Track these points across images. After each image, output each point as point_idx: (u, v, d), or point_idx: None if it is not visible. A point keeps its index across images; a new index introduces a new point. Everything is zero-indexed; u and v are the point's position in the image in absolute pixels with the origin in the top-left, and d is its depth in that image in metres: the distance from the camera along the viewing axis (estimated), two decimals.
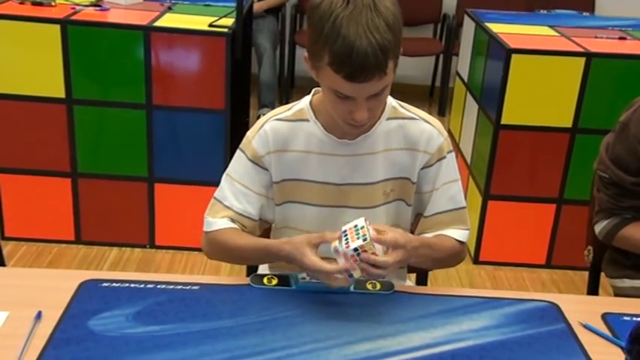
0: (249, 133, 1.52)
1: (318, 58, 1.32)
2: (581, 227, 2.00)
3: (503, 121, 2.84)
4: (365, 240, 1.29)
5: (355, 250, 1.30)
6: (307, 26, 1.37)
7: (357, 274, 1.33)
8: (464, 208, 1.56)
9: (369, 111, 1.36)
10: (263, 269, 1.69)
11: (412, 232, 1.61)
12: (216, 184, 1.55)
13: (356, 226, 1.33)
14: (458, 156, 3.47)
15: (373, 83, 1.31)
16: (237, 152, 1.53)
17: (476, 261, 3.09)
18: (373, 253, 1.31)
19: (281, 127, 1.50)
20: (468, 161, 3.31)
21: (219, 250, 1.51)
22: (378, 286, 1.46)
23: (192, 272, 2.84)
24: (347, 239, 1.32)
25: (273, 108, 2.75)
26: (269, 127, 1.50)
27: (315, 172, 1.50)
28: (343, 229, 1.34)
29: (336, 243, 1.33)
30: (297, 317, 1.35)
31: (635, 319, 1.38)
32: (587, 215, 1.87)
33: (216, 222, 1.51)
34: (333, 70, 1.30)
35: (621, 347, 1.29)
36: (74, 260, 2.88)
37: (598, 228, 1.75)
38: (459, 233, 1.54)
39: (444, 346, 1.30)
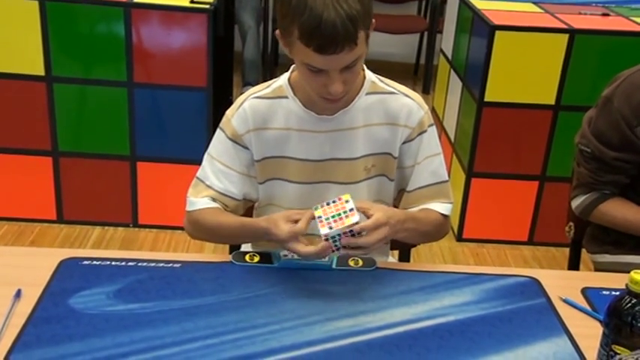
0: (228, 112, 1.52)
1: (288, 32, 1.32)
2: (563, 204, 2.01)
3: (486, 99, 2.84)
4: (349, 221, 1.30)
5: (336, 236, 1.31)
6: (277, 1, 1.37)
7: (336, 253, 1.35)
8: (446, 181, 1.57)
9: (343, 84, 1.36)
10: (246, 247, 1.69)
11: (396, 208, 1.61)
12: (199, 162, 1.55)
13: (333, 202, 1.34)
14: (442, 134, 3.47)
15: (344, 55, 1.30)
16: (218, 131, 1.53)
17: (459, 238, 3.10)
18: (356, 234, 1.32)
19: (260, 105, 1.49)
20: (452, 139, 3.31)
21: (200, 229, 1.51)
22: (360, 263, 1.46)
23: (176, 251, 2.83)
24: (328, 219, 1.32)
25: None
26: (248, 105, 1.49)
27: (295, 149, 1.50)
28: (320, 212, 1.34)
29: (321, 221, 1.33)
30: (279, 294, 1.35)
31: (613, 293, 1.39)
32: (569, 192, 1.88)
33: (198, 201, 1.51)
34: (303, 44, 1.30)
35: (599, 321, 1.30)
36: (56, 240, 2.87)
37: (575, 203, 1.75)
38: (442, 207, 1.55)
39: (425, 322, 1.30)
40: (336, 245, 1.33)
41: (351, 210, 1.31)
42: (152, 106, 2.80)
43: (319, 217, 1.33)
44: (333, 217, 1.32)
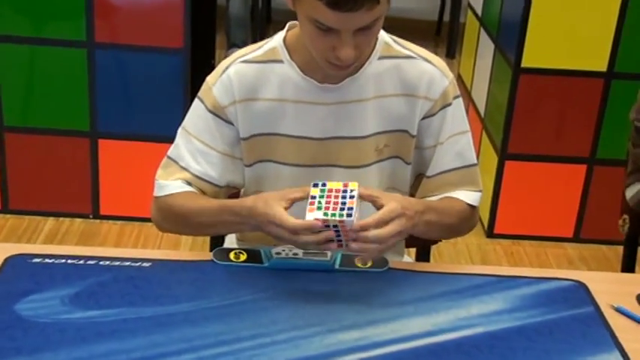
0: (209, 79, 1.51)
1: None
2: (616, 193, 2.01)
3: (524, 64, 2.84)
4: (349, 215, 1.30)
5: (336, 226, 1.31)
6: None
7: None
8: (474, 165, 1.57)
9: (355, 48, 1.35)
10: (230, 243, 1.70)
11: (413, 197, 1.61)
12: (173, 139, 1.55)
13: (345, 191, 1.34)
14: (469, 107, 3.47)
15: (363, 13, 1.29)
16: (196, 102, 1.53)
17: (490, 234, 3.11)
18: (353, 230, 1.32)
19: (248, 71, 1.49)
20: (482, 113, 3.31)
21: (171, 217, 1.52)
22: (369, 263, 1.47)
23: (146, 247, 2.85)
24: (328, 202, 1.32)
25: None
26: (234, 70, 1.49)
27: (291, 125, 1.50)
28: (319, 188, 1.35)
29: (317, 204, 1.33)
30: (270, 300, 1.35)
31: None
32: (622, 178, 1.88)
33: (169, 184, 1.51)
34: None
35: None
36: (0, 233, 2.88)
37: (630, 192, 1.75)
38: (469, 195, 1.55)
39: (448, 334, 1.30)
40: (339, 240, 1.33)
41: (350, 209, 1.31)
42: (117, 72, 2.80)
43: (313, 197, 1.33)
44: (327, 203, 1.33)
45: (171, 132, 1.57)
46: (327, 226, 1.31)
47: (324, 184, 1.35)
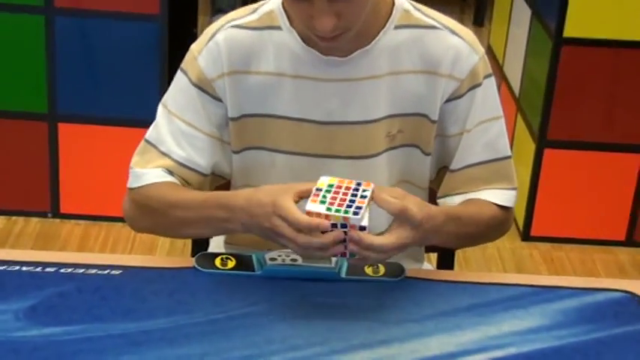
0: (194, 47, 1.52)
1: None
2: None
3: (566, 34, 2.84)
4: (356, 213, 1.30)
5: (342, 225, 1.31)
6: None
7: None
8: (508, 158, 1.57)
9: (338, 17, 1.36)
10: (216, 247, 1.70)
11: (433, 193, 1.62)
12: (149, 123, 1.55)
13: (357, 189, 1.34)
14: (501, 85, 3.47)
15: None
16: (178, 74, 1.53)
17: (526, 237, 3.12)
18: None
19: (241, 38, 1.50)
20: (516, 93, 3.31)
21: (149, 212, 1.52)
22: (382, 271, 1.47)
23: (115, 251, 2.86)
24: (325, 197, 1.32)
25: None
26: (223, 37, 1.50)
27: (288, 105, 1.50)
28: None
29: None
30: (264, 315, 1.35)
31: None
32: None
33: (147, 173, 1.51)
34: None
35: None
36: None
37: None
38: (501, 195, 1.55)
39: (475, 356, 1.30)
40: (344, 246, 1.33)
41: (358, 208, 1.30)
42: (81, 42, 2.80)
43: (319, 189, 1.33)
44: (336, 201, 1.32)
45: (147, 114, 1.58)
46: (335, 226, 1.30)
47: (332, 182, 1.34)
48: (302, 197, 1.35)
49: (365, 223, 1.30)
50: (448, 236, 1.47)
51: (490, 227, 1.55)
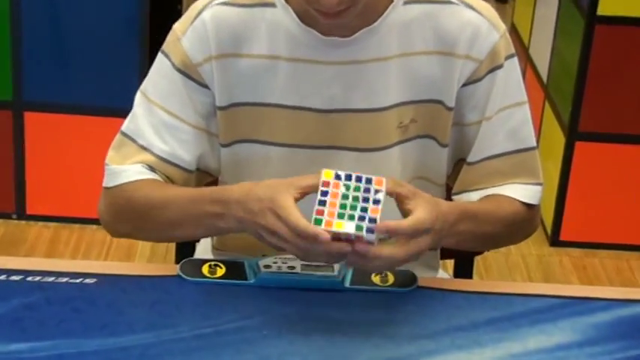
0: (177, 26, 1.52)
1: None
2: None
3: (601, 11, 2.84)
4: (370, 230, 1.29)
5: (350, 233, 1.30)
6: None
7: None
8: (533, 149, 1.58)
9: None
10: (203, 252, 1.71)
11: (449, 188, 1.63)
12: (128, 112, 1.56)
13: (359, 181, 1.33)
14: (527, 69, 3.47)
15: None
16: (159, 57, 1.54)
17: (554, 242, 3.13)
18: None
19: (230, 16, 1.50)
20: (544, 78, 3.31)
21: (128, 214, 1.52)
22: (391, 280, 1.47)
23: (89, 257, 2.85)
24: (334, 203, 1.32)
25: None
26: (210, 15, 1.50)
27: (285, 91, 1.51)
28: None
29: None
30: (258, 330, 1.35)
31: None
32: None
33: (125, 171, 1.52)
34: None
35: None
36: None
37: None
38: (524, 191, 1.56)
39: None
40: (352, 211, 1.32)
41: (372, 220, 1.30)
42: (50, 21, 2.81)
43: (324, 192, 1.32)
44: (341, 206, 1.32)
45: (124, 103, 1.58)
46: (338, 236, 1.30)
47: (339, 175, 1.34)
48: (305, 193, 1.35)
49: (376, 239, 1.30)
50: (463, 236, 1.47)
51: (512, 227, 1.55)
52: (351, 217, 1.30)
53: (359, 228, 1.29)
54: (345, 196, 1.32)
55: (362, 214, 1.30)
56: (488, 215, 1.51)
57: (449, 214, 1.41)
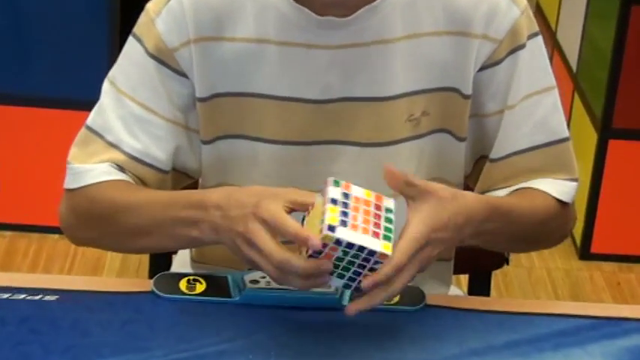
0: (150, 6, 1.52)
1: None
2: None
3: None
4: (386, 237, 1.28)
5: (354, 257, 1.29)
6: None
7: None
8: (566, 140, 1.59)
9: None
10: (180, 265, 1.71)
11: (468, 189, 1.62)
12: (93, 105, 1.56)
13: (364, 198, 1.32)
14: (553, 55, 3.47)
15: None
16: (131, 42, 1.54)
17: (585, 255, 3.13)
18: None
19: None
20: (573, 67, 3.31)
21: (93, 220, 1.52)
22: (395, 297, 1.46)
23: (51, 271, 2.86)
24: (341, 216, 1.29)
25: None
26: None
27: (275, 79, 1.51)
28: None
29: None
30: (242, 354, 1.35)
31: None
32: None
33: (90, 170, 1.52)
34: None
35: None
36: None
37: None
38: (559, 187, 1.56)
39: None
40: (343, 272, 1.31)
41: (387, 237, 1.29)
42: (6, 3, 2.82)
43: (334, 200, 1.29)
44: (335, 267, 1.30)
45: (90, 94, 1.59)
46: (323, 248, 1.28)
47: (346, 188, 1.31)
48: (295, 209, 1.33)
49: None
50: (491, 236, 1.47)
51: (545, 226, 1.56)
52: (340, 277, 1.30)
53: (345, 289, 1.31)
54: (339, 259, 1.29)
55: (375, 228, 1.28)
56: (522, 212, 1.52)
57: (475, 212, 1.41)
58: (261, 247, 1.29)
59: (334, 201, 1.27)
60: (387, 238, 1.27)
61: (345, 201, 1.28)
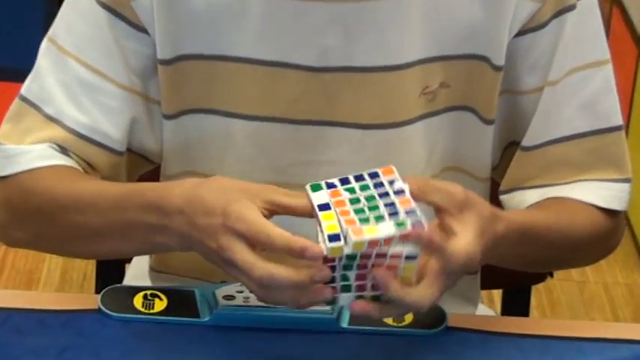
0: None
1: None
2: None
3: None
4: (416, 219, 1.26)
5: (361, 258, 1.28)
6: None
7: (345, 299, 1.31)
8: (618, 129, 1.59)
9: None
10: (136, 275, 1.72)
11: (495, 185, 1.63)
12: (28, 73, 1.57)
13: (370, 177, 1.32)
14: (611, 14, 3.47)
15: None
16: None
17: None
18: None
19: None
20: (638, 29, 3.31)
21: (28, 215, 1.53)
22: (409, 318, 1.46)
23: None
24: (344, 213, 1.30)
25: None
26: None
27: (258, 40, 1.52)
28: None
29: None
30: None
31: None
32: None
33: (25, 153, 1.52)
34: None
35: None
36: None
37: None
38: (605, 191, 1.57)
39: None
40: (344, 280, 1.30)
41: (410, 212, 1.27)
42: None
43: (323, 205, 1.29)
44: (357, 212, 1.30)
45: (26, 60, 1.59)
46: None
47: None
48: (274, 212, 1.33)
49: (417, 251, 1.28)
50: (521, 259, 1.51)
51: (588, 246, 1.57)
52: (379, 218, 1.27)
53: (401, 225, 1.25)
54: (354, 200, 1.30)
55: (391, 210, 1.28)
56: (559, 234, 1.53)
57: (503, 237, 1.40)
58: (239, 264, 1.28)
59: (325, 206, 1.28)
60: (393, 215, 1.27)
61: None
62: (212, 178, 1.40)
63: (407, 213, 1.26)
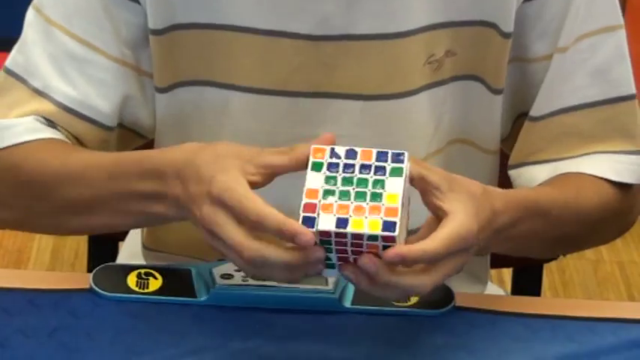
0: None
1: None
2: None
3: None
4: (390, 226, 1.24)
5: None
6: None
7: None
8: (630, 98, 1.58)
9: None
10: (130, 254, 1.72)
11: (505, 157, 1.62)
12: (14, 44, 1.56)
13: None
14: None
15: None
16: None
17: None
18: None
19: None
20: None
21: (16, 192, 1.53)
22: (414, 298, 1.45)
23: None
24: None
25: None
26: None
27: (255, 7, 1.51)
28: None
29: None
30: None
31: None
32: None
33: (11, 127, 1.52)
34: None
35: None
36: None
37: None
38: (618, 164, 1.56)
39: None
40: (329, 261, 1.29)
41: (389, 224, 1.25)
42: None
43: (316, 164, 1.28)
44: (341, 195, 1.28)
45: (10, 30, 1.60)
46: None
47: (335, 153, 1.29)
48: (270, 174, 1.31)
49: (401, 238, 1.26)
50: (525, 241, 1.49)
51: (599, 223, 1.56)
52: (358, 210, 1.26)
53: (372, 225, 1.24)
54: (346, 182, 1.28)
55: (373, 202, 1.26)
56: (564, 210, 1.51)
57: (503, 213, 1.39)
58: (227, 242, 1.27)
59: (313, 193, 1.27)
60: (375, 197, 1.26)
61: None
62: (211, 144, 1.37)
63: (385, 223, 1.25)
